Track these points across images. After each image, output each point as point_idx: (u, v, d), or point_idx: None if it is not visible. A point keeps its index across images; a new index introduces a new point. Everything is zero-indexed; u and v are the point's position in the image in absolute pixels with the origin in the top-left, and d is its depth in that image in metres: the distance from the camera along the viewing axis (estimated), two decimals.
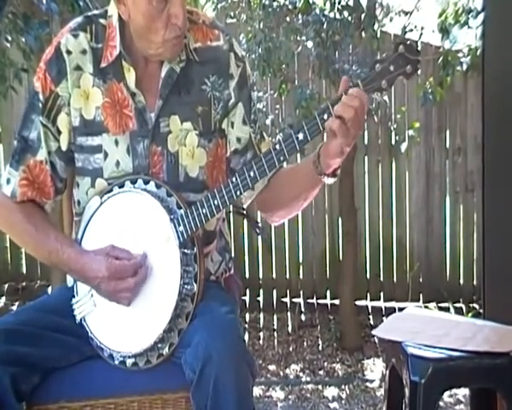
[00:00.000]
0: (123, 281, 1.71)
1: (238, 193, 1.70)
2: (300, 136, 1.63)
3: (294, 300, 4.80)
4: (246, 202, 1.92)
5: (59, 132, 1.81)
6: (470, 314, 4.48)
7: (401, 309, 2.37)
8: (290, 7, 3.96)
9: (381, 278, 4.85)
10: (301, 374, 4.02)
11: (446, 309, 4.64)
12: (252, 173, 1.67)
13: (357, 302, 4.51)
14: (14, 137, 1.87)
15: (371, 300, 4.81)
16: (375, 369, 4.05)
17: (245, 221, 4.52)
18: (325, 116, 1.61)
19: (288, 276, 4.84)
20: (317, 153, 1.69)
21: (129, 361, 1.76)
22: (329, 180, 1.71)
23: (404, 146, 4.59)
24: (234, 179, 1.69)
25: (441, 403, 3.40)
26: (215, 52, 1.84)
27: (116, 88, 1.79)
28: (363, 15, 4.03)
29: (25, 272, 4.78)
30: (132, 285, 1.71)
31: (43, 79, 1.79)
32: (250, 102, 1.88)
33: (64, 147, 1.82)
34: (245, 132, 1.88)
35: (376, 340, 4.30)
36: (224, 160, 1.89)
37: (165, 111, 1.80)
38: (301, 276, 4.83)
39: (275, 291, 4.83)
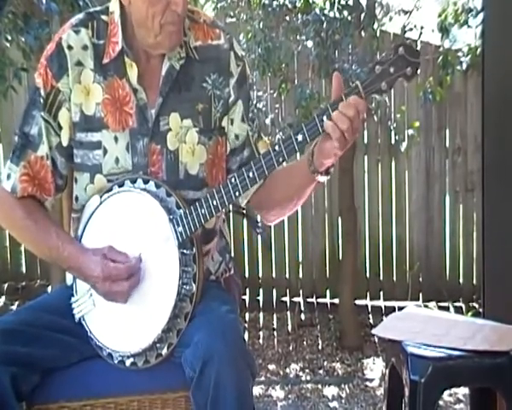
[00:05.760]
0: (117, 284, 1.71)
1: (237, 194, 1.70)
2: (300, 137, 1.63)
3: (294, 299, 4.79)
4: (242, 201, 1.91)
5: (60, 128, 1.81)
6: (470, 313, 4.48)
7: (401, 308, 2.37)
8: (290, 6, 3.96)
9: (381, 278, 4.85)
10: (301, 373, 4.02)
11: (446, 308, 4.64)
12: (251, 174, 1.67)
13: (357, 302, 4.50)
14: (15, 133, 1.87)
15: (371, 299, 4.81)
16: (374, 368, 4.05)
17: (245, 221, 4.52)
18: (324, 118, 1.61)
19: (287, 275, 4.84)
20: (311, 151, 1.69)
21: (128, 361, 1.76)
22: (323, 178, 1.71)
23: (403, 145, 4.59)
24: (233, 180, 1.69)
25: (441, 402, 3.40)
26: (216, 51, 1.84)
27: (117, 85, 1.79)
28: (362, 15, 4.03)
29: (24, 271, 4.77)
30: (126, 288, 1.72)
31: (45, 74, 1.79)
32: (249, 101, 1.89)
33: (65, 142, 1.82)
34: (243, 130, 1.88)
35: (376, 339, 4.30)
36: (224, 158, 1.89)
37: (165, 109, 1.80)
38: (301, 275, 4.83)
39: (274, 291, 4.83)
